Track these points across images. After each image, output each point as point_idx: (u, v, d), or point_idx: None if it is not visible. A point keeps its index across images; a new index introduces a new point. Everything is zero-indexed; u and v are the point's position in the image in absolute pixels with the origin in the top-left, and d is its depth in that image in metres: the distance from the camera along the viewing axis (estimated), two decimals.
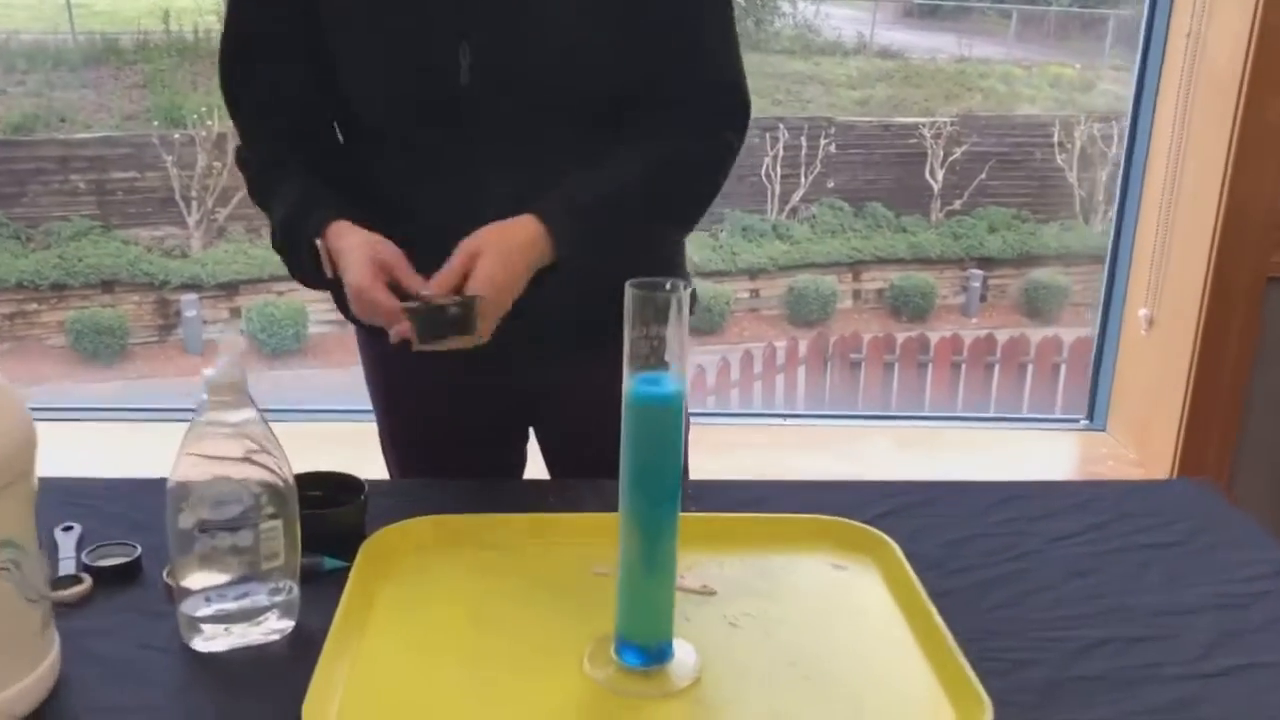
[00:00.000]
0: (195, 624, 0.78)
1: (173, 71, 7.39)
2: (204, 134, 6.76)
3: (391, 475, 1.17)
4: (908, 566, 0.88)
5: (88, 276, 6.69)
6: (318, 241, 0.96)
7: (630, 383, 0.71)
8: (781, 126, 7.59)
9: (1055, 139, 7.43)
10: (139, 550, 0.88)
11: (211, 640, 0.78)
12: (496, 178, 0.98)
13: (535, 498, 1.00)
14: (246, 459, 0.77)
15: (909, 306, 7.44)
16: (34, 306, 6.64)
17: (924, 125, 7.67)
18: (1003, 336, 5.32)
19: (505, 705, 0.73)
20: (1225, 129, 1.54)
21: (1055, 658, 0.80)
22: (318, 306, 6.85)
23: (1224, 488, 1.69)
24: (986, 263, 7.64)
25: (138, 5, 7.71)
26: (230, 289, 6.76)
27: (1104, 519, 1.01)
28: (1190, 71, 1.59)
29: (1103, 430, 1.84)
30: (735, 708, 0.73)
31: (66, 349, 6.49)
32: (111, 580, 0.86)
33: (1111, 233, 1.79)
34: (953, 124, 7.73)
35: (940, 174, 7.70)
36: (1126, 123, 1.71)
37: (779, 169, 7.57)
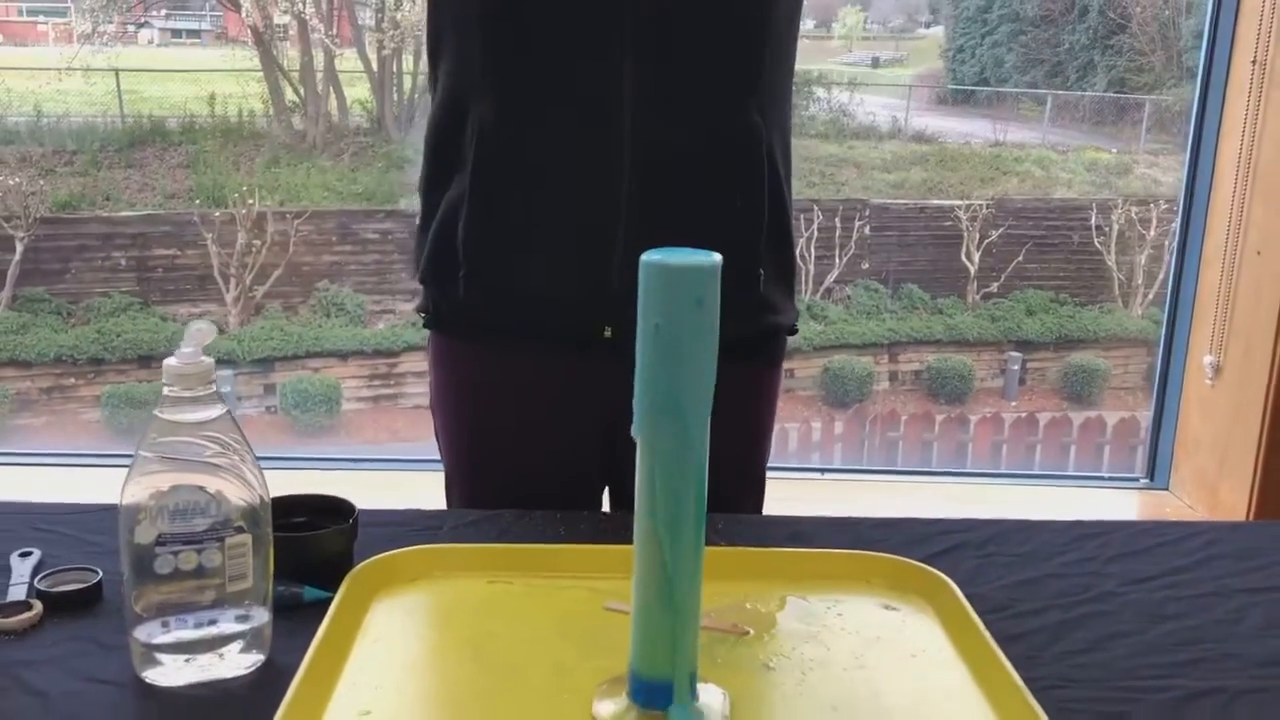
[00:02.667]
0: (150, 653, 0.68)
1: (216, 152, 7.53)
2: (244, 212, 6.85)
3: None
4: (969, 608, 0.76)
5: (125, 352, 6.73)
6: None
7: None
8: (816, 209, 7.57)
9: (1093, 222, 7.35)
10: (99, 575, 0.78)
11: (169, 673, 0.68)
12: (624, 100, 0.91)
13: (550, 529, 0.89)
14: (213, 465, 0.67)
15: (946, 389, 7.31)
16: (71, 381, 6.68)
17: (959, 208, 7.63)
18: (1044, 418, 5.19)
19: None
20: None
21: (1149, 710, 0.67)
22: (351, 383, 6.85)
23: None
24: (1024, 345, 7.52)
25: (185, 91, 7.90)
26: (265, 365, 6.78)
27: (1188, 561, 0.88)
28: (1255, 97, 1.50)
29: (1165, 489, 1.71)
30: None
31: (101, 423, 6.50)
32: (65, 608, 0.75)
33: (1170, 283, 1.68)
34: (988, 207, 7.68)
35: (976, 256, 7.63)
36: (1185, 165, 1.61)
37: (813, 250, 7.53)
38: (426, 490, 1.08)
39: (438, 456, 1.09)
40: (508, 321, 0.98)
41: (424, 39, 1.01)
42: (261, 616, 0.70)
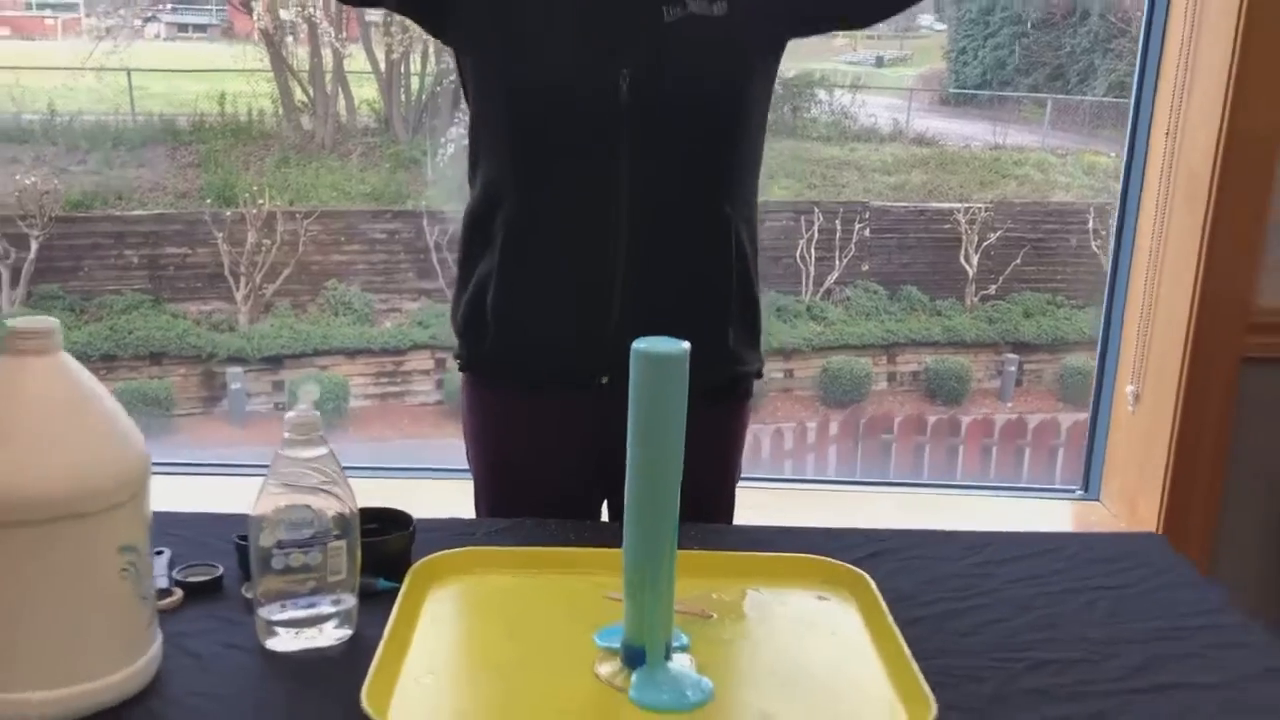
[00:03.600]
0: (270, 627, 0.94)
1: (226, 152, 7.75)
2: (254, 212, 7.07)
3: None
4: (880, 598, 1.02)
5: (137, 348, 6.96)
6: None
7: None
8: (817, 210, 7.78)
9: (1090, 225, 7.58)
10: (221, 570, 1.05)
11: (284, 642, 0.94)
12: (622, 190, 1.17)
13: (563, 535, 1.16)
14: (319, 489, 0.94)
15: (944, 390, 7.53)
16: None
17: (958, 211, 7.85)
18: (1034, 420, 5.43)
19: (528, 697, 0.88)
20: (1198, 222, 1.71)
21: (1001, 675, 0.94)
22: (359, 380, 7.08)
23: (1207, 555, 1.82)
24: (1021, 347, 7.74)
25: (194, 88, 8.12)
26: (275, 362, 7.01)
27: (1063, 565, 1.15)
28: (1170, 168, 1.77)
29: (1096, 500, 1.99)
30: (723, 705, 0.88)
31: None
32: (199, 594, 1.02)
33: (1103, 316, 1.95)
34: (987, 210, 7.89)
35: (975, 259, 7.85)
36: (1115, 212, 1.89)
37: (814, 251, 7.75)
38: (436, 495, 1.34)
39: (443, 465, 1.37)
40: (526, 369, 1.26)
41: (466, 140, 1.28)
42: (350, 601, 0.96)
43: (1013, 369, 7.72)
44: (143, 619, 0.87)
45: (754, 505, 1.58)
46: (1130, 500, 1.89)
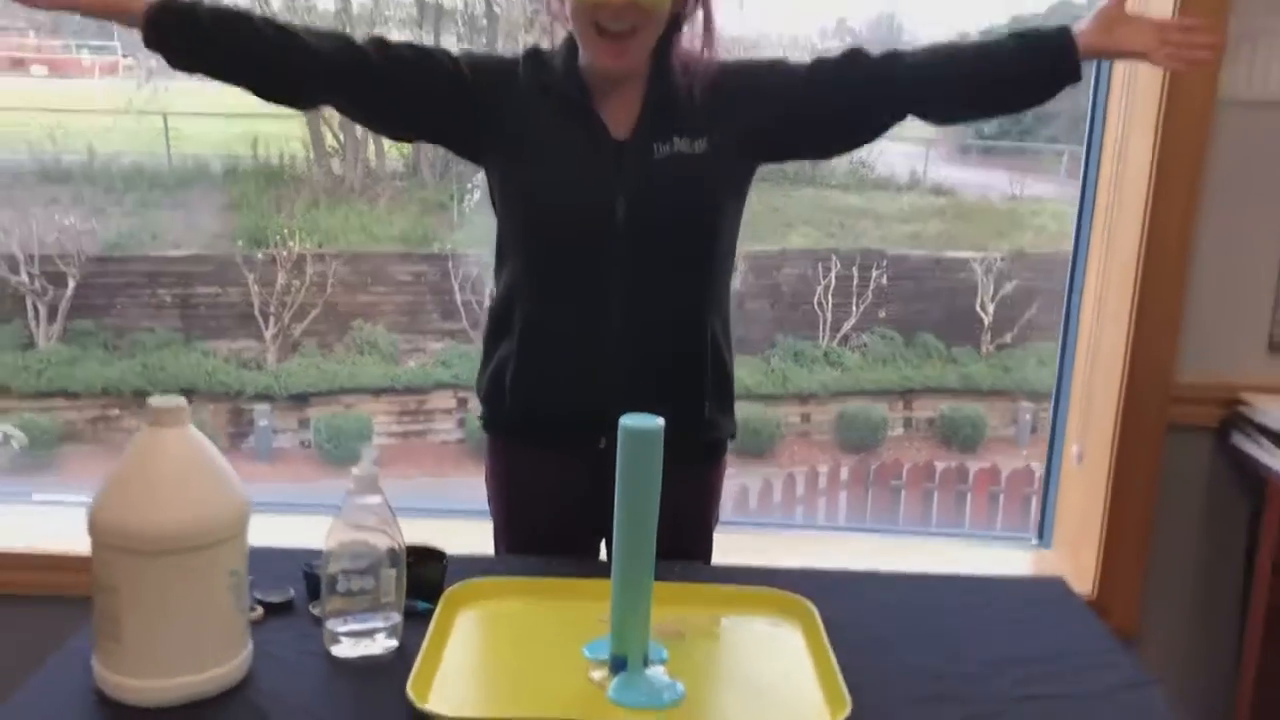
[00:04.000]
0: (335, 637, 1.23)
1: (258, 195, 8.10)
2: (284, 254, 7.39)
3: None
4: (820, 624, 1.30)
5: (168, 385, 7.27)
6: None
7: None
8: (834, 257, 8.04)
9: None
10: (292, 592, 1.34)
11: (346, 649, 1.23)
12: (618, 294, 1.47)
13: (565, 569, 1.45)
14: (375, 529, 1.23)
15: (959, 436, 7.73)
16: (116, 412, 7.24)
17: (975, 260, 8.09)
18: (1040, 469, 5.65)
19: (533, 694, 1.17)
20: (1126, 308, 2.00)
21: (909, 684, 1.22)
22: (383, 418, 7.38)
23: (1137, 599, 2.09)
24: (1037, 396, 7.95)
25: (227, 130, 8.49)
26: (301, 400, 7.31)
27: (977, 600, 1.43)
28: (1104, 259, 2.07)
29: (1049, 548, 2.27)
30: (692, 704, 1.16)
31: None
32: (276, 611, 1.31)
33: (1055, 380, 2.24)
34: (1003, 260, 8.13)
35: (990, 308, 8.08)
36: (1064, 295, 2.18)
37: (831, 298, 7.99)
38: (455, 532, 1.61)
39: (463, 504, 1.65)
40: (538, 434, 1.56)
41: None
42: (397, 618, 1.25)
43: (1028, 417, 7.93)
44: (241, 627, 1.17)
45: (742, 548, 1.88)
46: (1074, 550, 2.17)
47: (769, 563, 1.54)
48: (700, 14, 1.50)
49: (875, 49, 1.51)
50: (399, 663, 1.20)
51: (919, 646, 1.31)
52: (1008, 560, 2.23)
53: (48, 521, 2.28)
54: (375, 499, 1.23)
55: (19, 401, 7.07)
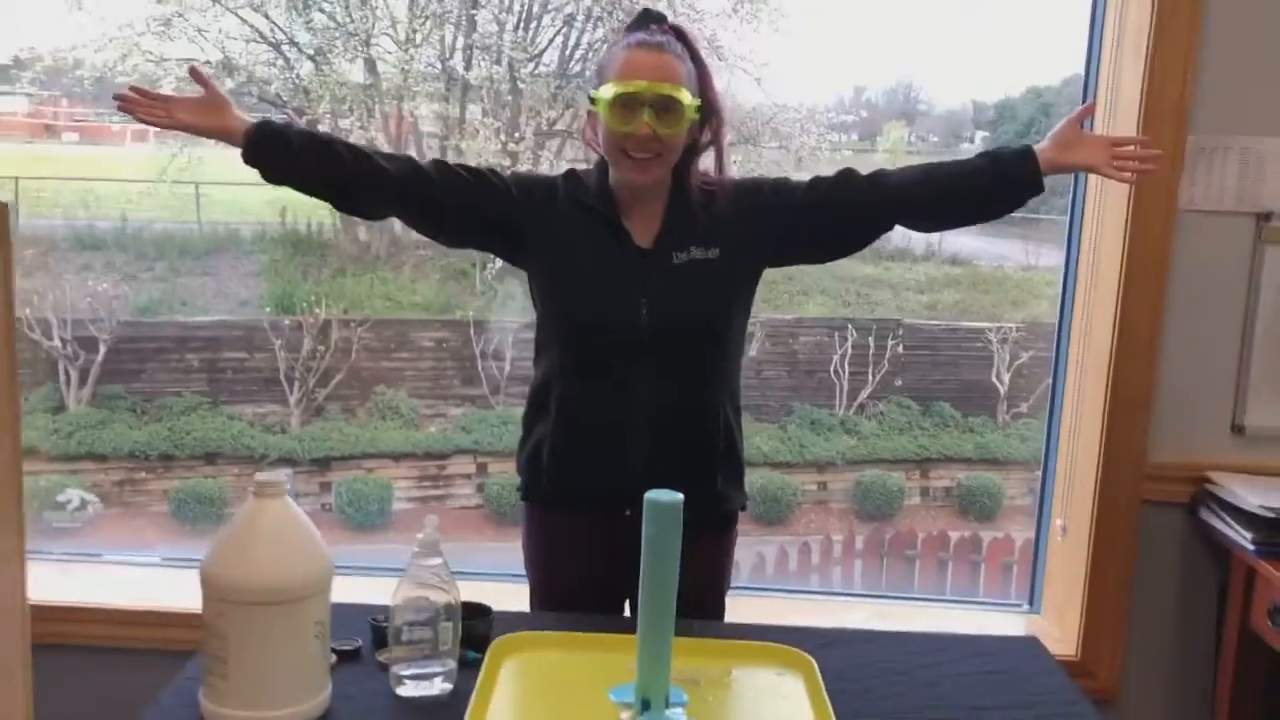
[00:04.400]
0: (400, 680, 1.47)
1: (286, 262, 8.39)
2: (311, 320, 7.66)
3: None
4: (819, 676, 1.52)
5: (193, 448, 7.52)
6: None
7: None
8: (850, 326, 8.26)
9: None
10: (360, 641, 1.58)
11: (409, 690, 1.47)
12: (643, 383, 1.72)
13: (596, 624, 1.68)
14: (435, 586, 1.47)
15: (975, 506, 7.87)
16: (142, 475, 7.48)
17: (990, 330, 8.31)
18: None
19: None
20: (1101, 394, 2.25)
21: None
22: (403, 483, 7.60)
23: (1118, 661, 2.31)
24: None
25: (256, 196, 8.81)
26: (323, 464, 7.54)
27: (960, 656, 1.65)
28: (1083, 349, 2.32)
29: (1038, 613, 2.49)
30: None
31: (167, 516, 7.29)
32: (346, 658, 1.55)
33: (1042, 457, 2.48)
34: (1018, 329, 8.34)
35: (1007, 377, 8.27)
36: (1049, 380, 2.43)
37: (847, 367, 8.20)
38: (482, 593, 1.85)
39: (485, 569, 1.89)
40: (569, 503, 1.82)
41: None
42: (452, 664, 1.49)
43: None
44: (324, 670, 1.41)
45: (756, 610, 2.11)
46: (1060, 615, 2.39)
47: (778, 623, 1.77)
48: (712, 141, 1.78)
49: (865, 168, 1.78)
50: (454, 703, 1.43)
51: (908, 695, 1.53)
52: (1000, 624, 2.45)
53: (114, 579, 2.53)
54: (436, 560, 1.47)
55: (48, 464, 7.32)
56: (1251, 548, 2.11)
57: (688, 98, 1.71)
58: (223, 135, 1.72)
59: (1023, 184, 1.75)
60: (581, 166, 1.87)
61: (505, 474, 7.26)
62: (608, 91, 1.71)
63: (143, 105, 1.70)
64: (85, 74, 7.59)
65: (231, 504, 7.39)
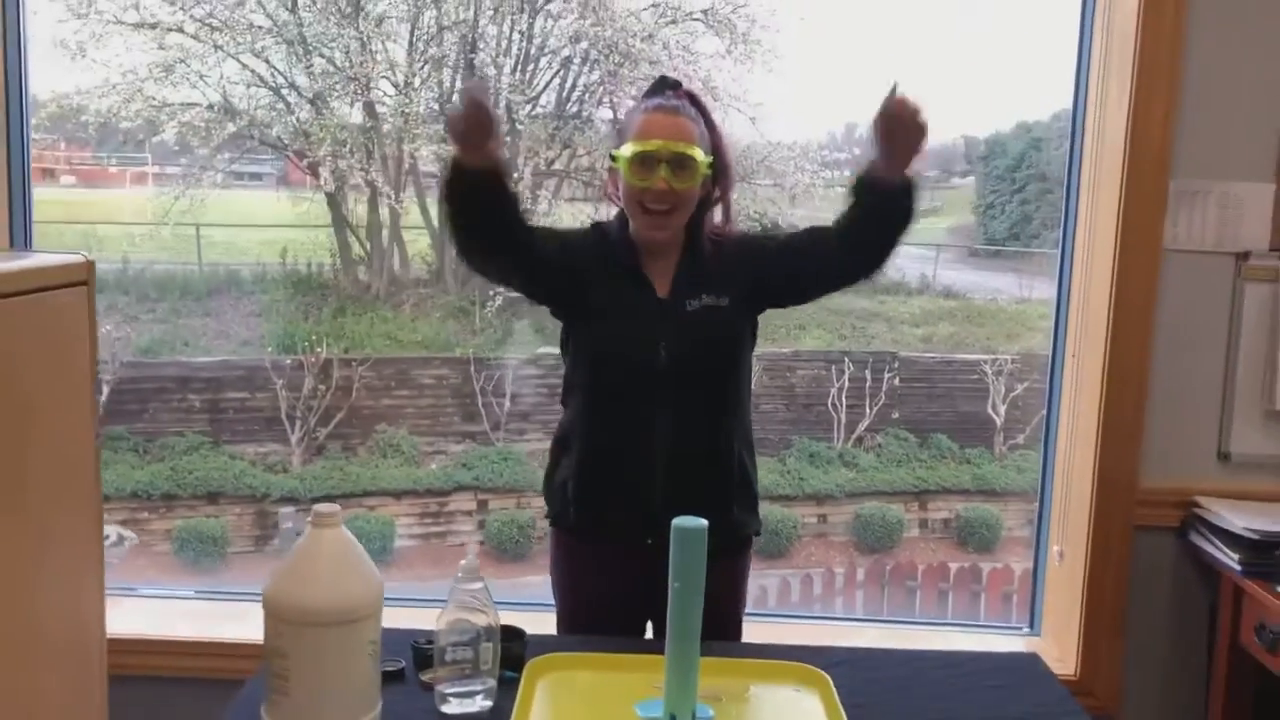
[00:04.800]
0: (445, 698, 1.58)
1: (287, 302, 8.49)
2: (312, 360, 7.76)
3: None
4: (834, 691, 1.64)
5: (196, 488, 7.59)
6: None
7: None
8: (847, 360, 8.39)
9: None
10: (403, 663, 1.70)
11: (453, 707, 1.58)
12: (662, 419, 1.86)
13: (622, 646, 1.80)
14: (476, 609, 1.59)
15: (974, 538, 7.97)
16: (144, 515, 7.55)
17: (985, 362, 8.43)
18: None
19: None
20: (1093, 423, 2.38)
21: None
22: (405, 520, 7.68)
23: (1116, 680, 2.43)
24: None
25: (255, 237, 8.94)
26: (324, 502, 7.59)
27: (967, 672, 1.77)
28: (1076, 383, 2.46)
29: (1039, 635, 2.61)
30: None
31: (170, 555, 7.36)
32: (391, 678, 1.67)
33: (1039, 486, 2.61)
34: (1014, 361, 8.47)
35: (1003, 409, 8.39)
36: (1044, 411, 2.56)
37: (844, 400, 8.31)
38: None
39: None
40: (594, 533, 1.95)
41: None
42: (492, 683, 1.60)
43: None
44: (376, 687, 1.52)
45: (768, 633, 2.22)
46: (1059, 637, 2.51)
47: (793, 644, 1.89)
48: (721, 198, 1.95)
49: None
50: (495, 719, 1.55)
51: (919, 709, 1.65)
52: (1002, 646, 2.57)
53: (150, 611, 2.65)
54: (477, 585, 1.59)
55: None
56: (1239, 568, 2.24)
57: (700, 155, 1.86)
58: (490, 163, 1.77)
59: (876, 183, 1.80)
60: (601, 217, 2.03)
61: (505, 510, 7.37)
62: (628, 150, 1.87)
63: (478, 129, 1.72)
64: (90, 119, 7.72)
65: (234, 543, 7.48)
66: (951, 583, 5.88)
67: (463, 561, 1.60)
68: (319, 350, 7.75)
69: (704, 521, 1.52)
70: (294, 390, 7.85)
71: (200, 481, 7.46)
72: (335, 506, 1.51)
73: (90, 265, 1.24)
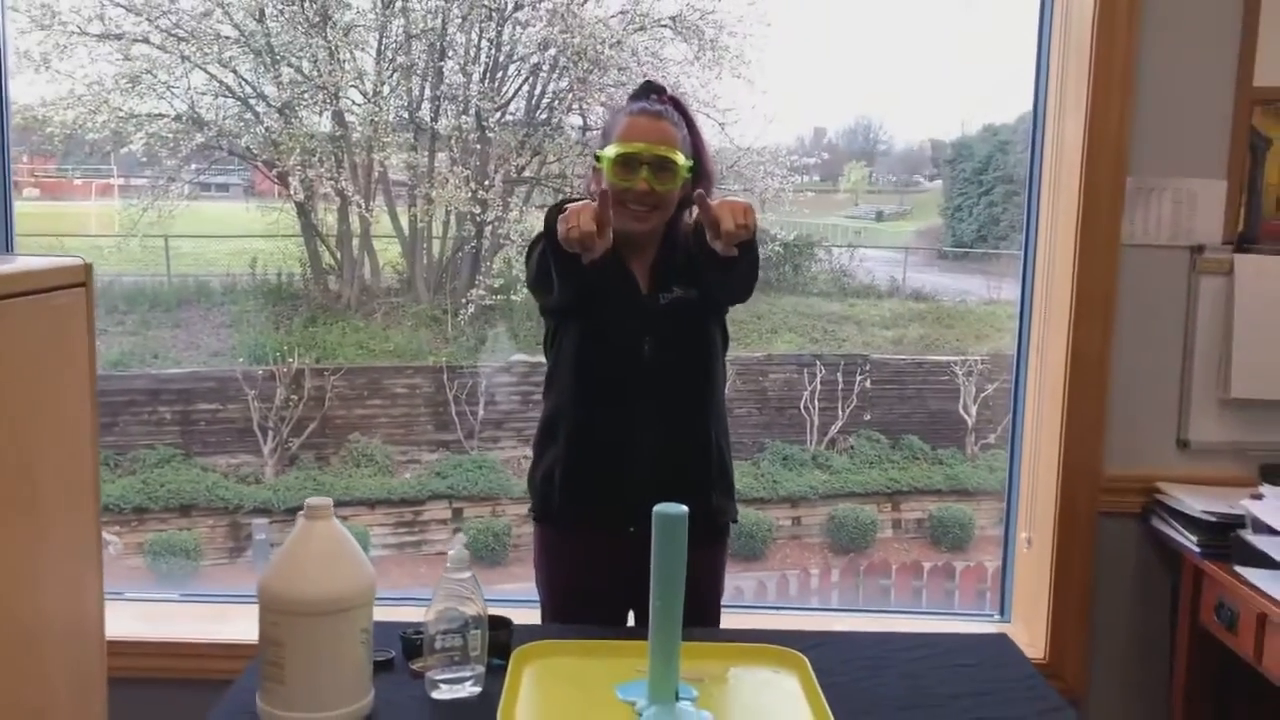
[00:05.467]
0: (435, 684, 1.64)
1: (257, 313, 8.50)
2: (284, 370, 7.77)
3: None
4: (811, 671, 1.71)
5: (168, 501, 7.57)
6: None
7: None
8: (819, 363, 8.47)
9: None
10: (393, 652, 1.76)
11: (444, 693, 1.64)
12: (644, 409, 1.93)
13: (604, 633, 1.86)
14: (465, 598, 1.65)
15: (948, 537, 8.06)
16: (117, 529, 7.52)
17: (955, 363, 8.54)
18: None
19: None
20: (1058, 413, 2.47)
21: (883, 714, 1.63)
22: (379, 530, 7.69)
23: (1083, 662, 2.52)
24: None
25: (223, 248, 8.93)
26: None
27: (937, 653, 1.85)
28: (1040, 370, 2.55)
29: (1008, 621, 2.70)
30: None
31: (143, 569, 7.35)
32: (381, 667, 1.72)
33: (1007, 476, 2.70)
34: (984, 362, 8.58)
35: (974, 409, 8.50)
36: (1010, 402, 2.65)
37: (817, 403, 8.40)
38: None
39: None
40: (580, 522, 2.00)
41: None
42: (480, 669, 1.66)
43: None
44: (369, 675, 1.58)
45: (747, 621, 2.29)
46: (1028, 623, 2.60)
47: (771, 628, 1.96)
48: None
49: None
50: (484, 704, 1.61)
51: (892, 686, 1.73)
52: (977, 630, 2.65)
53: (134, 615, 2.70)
54: (466, 574, 1.66)
55: None
56: (1198, 550, 2.33)
57: (681, 159, 1.94)
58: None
59: (714, 257, 1.84)
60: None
61: (481, 519, 7.40)
62: (611, 151, 1.93)
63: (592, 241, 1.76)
64: (55, 130, 7.70)
65: (207, 554, 7.47)
66: (925, 580, 5.98)
67: (451, 552, 1.66)
68: (290, 360, 7.75)
69: (684, 508, 1.59)
70: (266, 401, 7.85)
71: (172, 494, 7.45)
72: (327, 500, 1.57)
73: (88, 268, 1.29)
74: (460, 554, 1.66)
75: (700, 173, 2.01)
